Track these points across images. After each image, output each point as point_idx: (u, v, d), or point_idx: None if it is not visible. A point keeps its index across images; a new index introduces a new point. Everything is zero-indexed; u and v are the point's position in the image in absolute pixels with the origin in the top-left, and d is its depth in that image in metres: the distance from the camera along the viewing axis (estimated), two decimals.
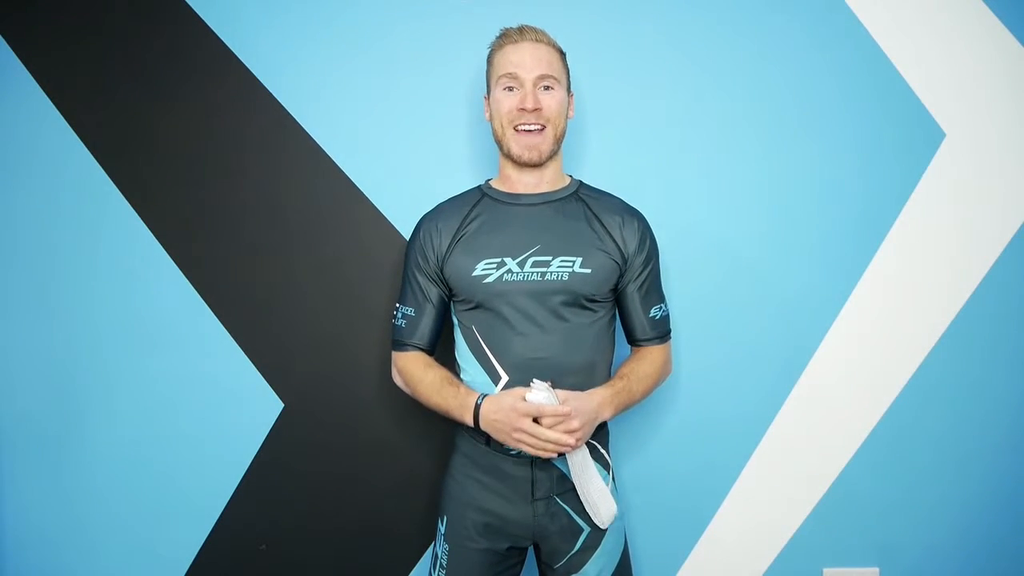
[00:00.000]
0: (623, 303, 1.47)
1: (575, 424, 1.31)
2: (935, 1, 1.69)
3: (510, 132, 1.40)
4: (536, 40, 1.42)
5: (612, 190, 1.52)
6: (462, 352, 1.45)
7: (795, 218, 1.72)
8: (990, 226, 1.73)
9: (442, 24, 1.69)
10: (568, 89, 1.47)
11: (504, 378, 1.38)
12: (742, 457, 1.77)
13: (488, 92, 1.47)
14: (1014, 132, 1.71)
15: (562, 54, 1.46)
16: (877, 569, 1.78)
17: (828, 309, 1.73)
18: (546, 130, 1.40)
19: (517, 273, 1.37)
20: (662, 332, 1.49)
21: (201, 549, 1.79)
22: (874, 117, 1.70)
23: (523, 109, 1.38)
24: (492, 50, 1.46)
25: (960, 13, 1.69)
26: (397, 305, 1.50)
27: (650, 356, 1.49)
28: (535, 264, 1.37)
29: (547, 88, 1.40)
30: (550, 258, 1.38)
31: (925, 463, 1.76)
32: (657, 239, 1.51)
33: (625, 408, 1.43)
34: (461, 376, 1.46)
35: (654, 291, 1.48)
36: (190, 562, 1.80)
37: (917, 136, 1.70)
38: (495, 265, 1.38)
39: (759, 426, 1.76)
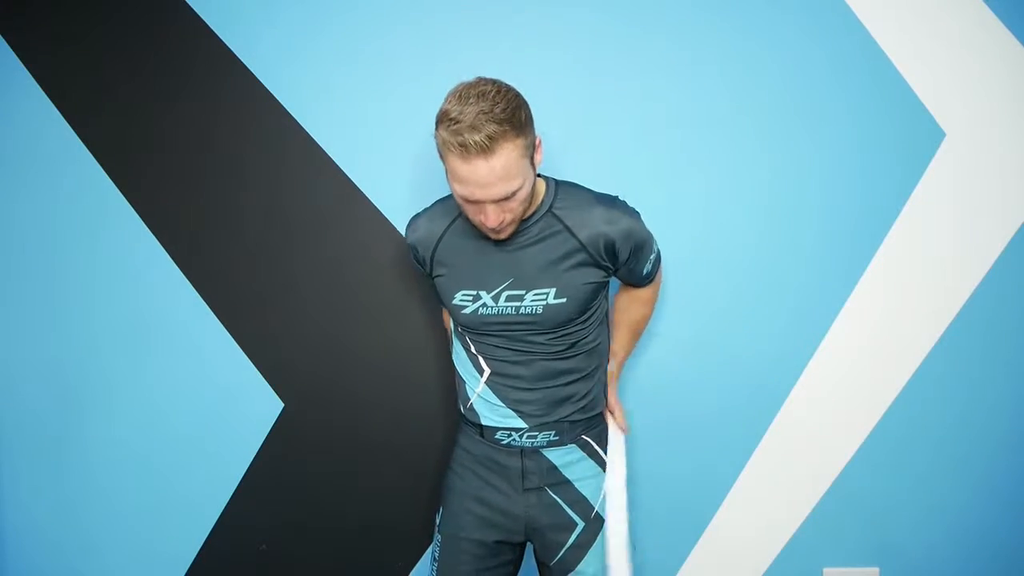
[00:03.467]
0: (618, 275, 1.47)
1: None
2: (935, 1, 1.69)
3: (478, 226, 1.31)
4: (486, 152, 1.16)
5: (611, 190, 1.49)
6: (457, 351, 1.50)
7: (795, 218, 1.72)
8: (990, 226, 1.72)
9: (442, 23, 1.68)
10: (534, 145, 1.26)
11: (487, 371, 1.42)
12: (742, 457, 1.77)
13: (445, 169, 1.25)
14: (1014, 132, 1.71)
15: (516, 127, 1.19)
16: (877, 569, 1.79)
17: (828, 308, 1.73)
18: (512, 224, 1.30)
19: (492, 307, 1.37)
20: (655, 270, 1.50)
21: (201, 549, 1.80)
22: (874, 117, 1.70)
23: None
24: (439, 143, 1.22)
25: (960, 13, 1.69)
26: None
27: (641, 296, 1.56)
28: (509, 298, 1.36)
29: (509, 198, 1.23)
30: (523, 291, 1.35)
31: (925, 463, 1.77)
32: (655, 238, 1.46)
33: (634, 343, 1.61)
34: (457, 371, 1.50)
35: (644, 257, 1.42)
36: (190, 562, 1.80)
37: (917, 136, 1.70)
38: (471, 298, 1.38)
39: (759, 426, 1.76)
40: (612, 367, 1.55)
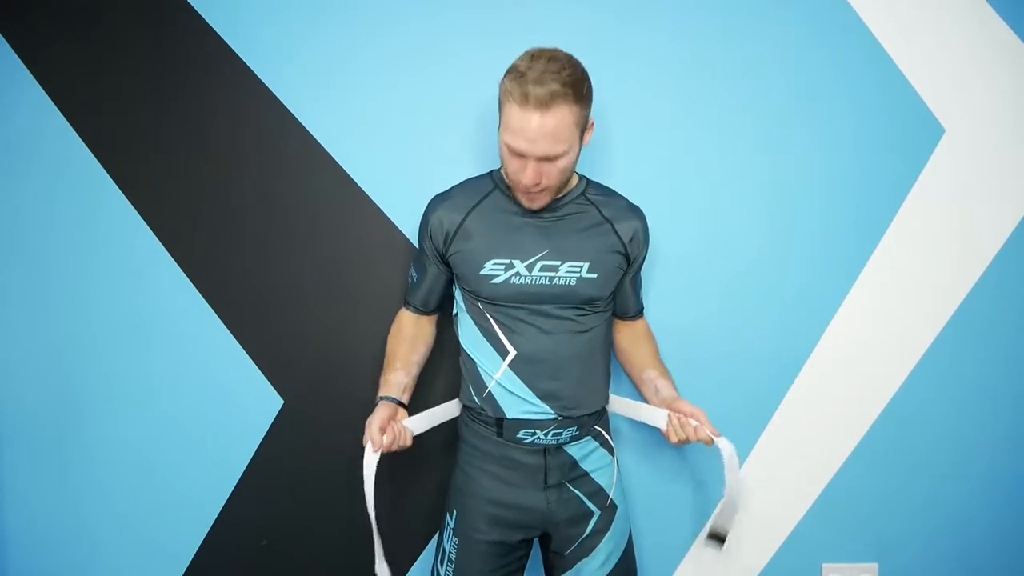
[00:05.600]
0: (620, 287, 1.52)
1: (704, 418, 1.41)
2: None
3: (515, 185, 1.36)
4: (542, 107, 1.23)
5: (612, 188, 1.53)
6: (470, 334, 1.47)
7: (794, 214, 1.72)
8: (989, 222, 1.73)
9: (443, 22, 1.69)
10: (587, 121, 1.33)
11: (512, 352, 1.41)
12: (743, 452, 1.76)
13: (500, 121, 1.33)
14: (1013, 128, 1.71)
15: (577, 95, 1.26)
16: (876, 564, 1.79)
17: (827, 305, 1.74)
18: (546, 192, 1.35)
19: (525, 276, 1.39)
20: (643, 303, 1.62)
21: (201, 546, 1.80)
22: (874, 113, 1.70)
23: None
24: (502, 92, 1.30)
25: (960, 9, 1.69)
26: (412, 263, 1.57)
27: (646, 328, 1.61)
28: (543, 268, 1.39)
29: (553, 160, 1.29)
30: (559, 263, 1.39)
31: (924, 459, 1.77)
32: (656, 236, 1.56)
33: None
34: (470, 355, 1.47)
35: (639, 275, 1.57)
36: (190, 559, 1.80)
37: (916, 132, 1.71)
38: (503, 267, 1.39)
39: (759, 422, 1.76)
40: (670, 390, 1.51)
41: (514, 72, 1.26)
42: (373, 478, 1.38)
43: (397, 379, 1.48)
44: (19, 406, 1.79)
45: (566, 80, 1.24)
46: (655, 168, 1.71)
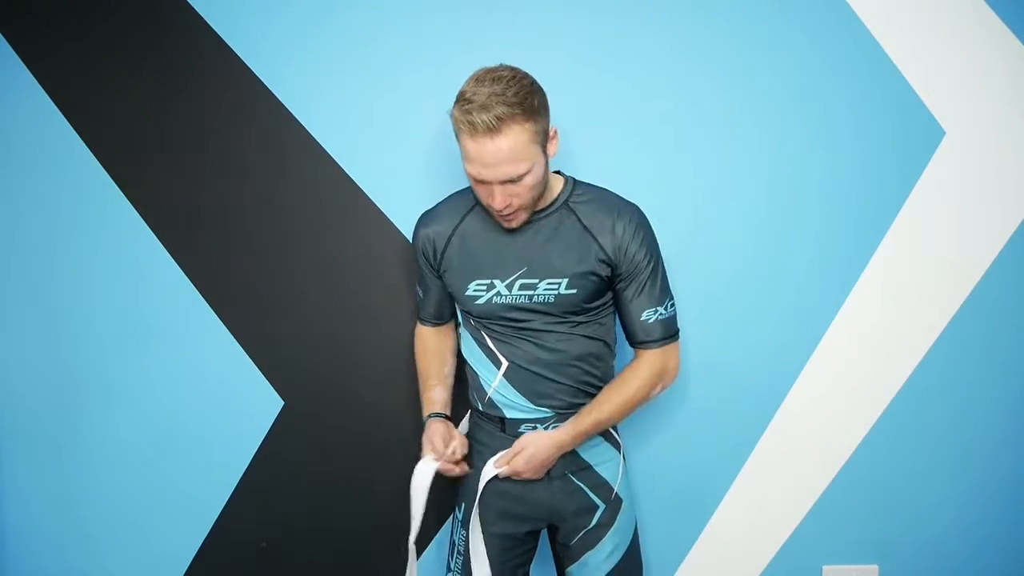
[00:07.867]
0: (618, 304, 1.44)
1: (519, 464, 1.40)
2: None
3: (488, 209, 1.35)
4: (493, 132, 1.20)
5: (610, 189, 1.52)
6: (468, 346, 1.49)
7: (794, 216, 1.72)
8: (989, 224, 1.73)
9: (442, 23, 1.69)
10: (547, 133, 1.30)
11: (504, 363, 1.43)
12: (743, 454, 1.77)
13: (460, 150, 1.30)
14: (1014, 131, 1.71)
15: (527, 112, 1.23)
16: (876, 566, 1.79)
17: (828, 307, 1.73)
18: (520, 211, 1.33)
19: (506, 296, 1.39)
20: (657, 336, 1.40)
21: (201, 547, 1.80)
22: (874, 115, 1.70)
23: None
24: (453, 123, 1.26)
25: (960, 11, 1.69)
26: (416, 281, 1.57)
27: (638, 368, 1.42)
28: (522, 287, 1.39)
29: (516, 181, 1.26)
30: (536, 280, 1.38)
31: (925, 460, 1.77)
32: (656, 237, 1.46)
33: (594, 434, 1.45)
34: (470, 366, 1.50)
35: (648, 294, 1.39)
36: (190, 560, 1.80)
37: (917, 134, 1.70)
38: (485, 287, 1.40)
39: (759, 423, 1.76)
40: (563, 431, 1.40)
41: (461, 101, 1.24)
42: (427, 490, 1.46)
43: (438, 396, 1.55)
44: (19, 406, 1.79)
45: (511, 100, 1.22)
46: (653, 169, 1.71)
